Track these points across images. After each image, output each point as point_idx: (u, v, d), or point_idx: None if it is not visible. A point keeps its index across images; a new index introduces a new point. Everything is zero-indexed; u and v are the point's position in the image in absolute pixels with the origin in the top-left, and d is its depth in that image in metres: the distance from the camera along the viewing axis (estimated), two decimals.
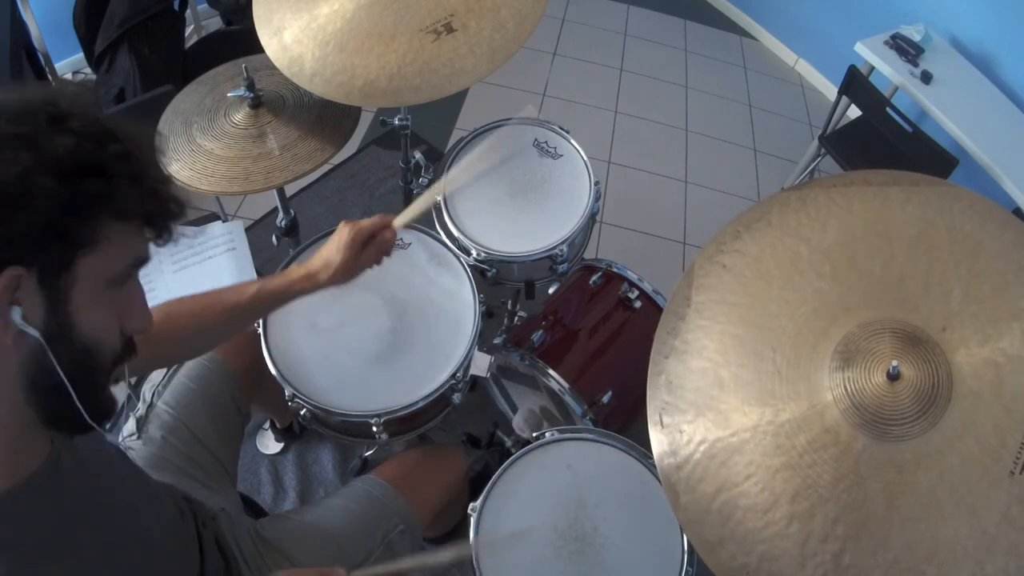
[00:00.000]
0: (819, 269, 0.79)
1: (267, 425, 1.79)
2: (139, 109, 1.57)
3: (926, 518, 0.67)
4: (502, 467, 1.10)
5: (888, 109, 2.07)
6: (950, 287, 0.75)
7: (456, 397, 1.21)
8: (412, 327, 1.20)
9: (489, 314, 1.96)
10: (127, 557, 0.70)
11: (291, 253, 1.27)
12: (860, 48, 2.44)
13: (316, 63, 1.13)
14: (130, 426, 1.09)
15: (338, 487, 1.71)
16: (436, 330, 1.20)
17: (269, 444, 1.79)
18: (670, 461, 0.77)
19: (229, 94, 1.26)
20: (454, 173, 1.36)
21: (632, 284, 1.47)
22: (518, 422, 1.47)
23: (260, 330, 1.17)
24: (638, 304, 1.45)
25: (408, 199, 1.85)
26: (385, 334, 1.19)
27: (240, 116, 1.26)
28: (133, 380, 1.26)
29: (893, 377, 0.70)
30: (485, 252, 1.32)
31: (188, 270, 1.51)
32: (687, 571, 1.01)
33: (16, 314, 0.51)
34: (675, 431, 0.78)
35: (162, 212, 0.60)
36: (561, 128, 1.49)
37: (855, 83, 2.22)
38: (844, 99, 2.32)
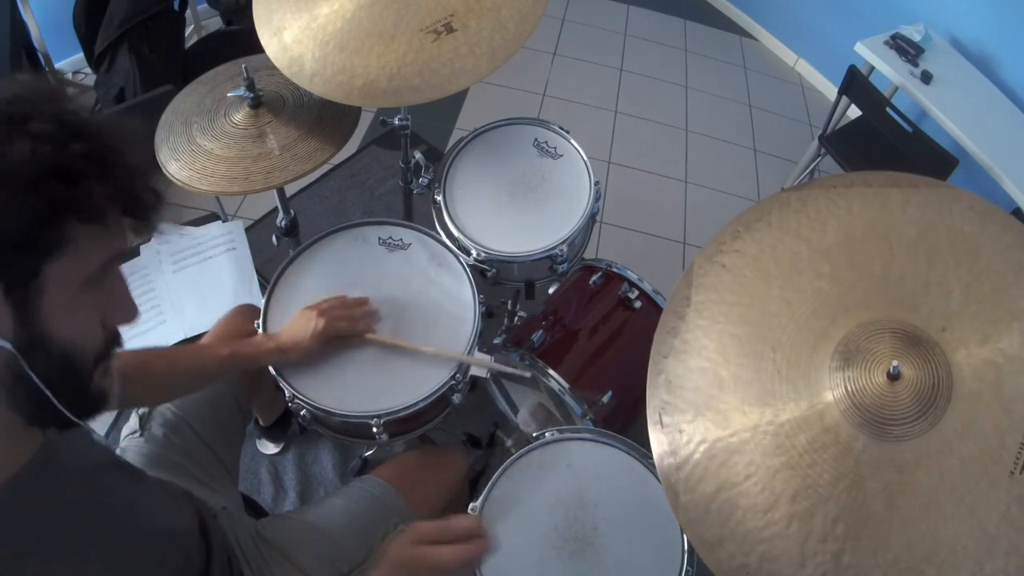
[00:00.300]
0: (819, 269, 0.79)
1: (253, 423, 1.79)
2: (139, 109, 1.57)
3: (926, 518, 0.67)
4: (502, 467, 1.10)
5: (888, 109, 2.07)
6: (950, 287, 0.75)
7: (456, 397, 1.21)
8: (412, 327, 1.20)
9: (489, 314, 1.96)
10: (128, 553, 0.70)
11: (291, 253, 1.27)
12: (860, 48, 2.44)
13: (316, 63, 1.13)
14: (132, 423, 1.09)
15: (338, 487, 1.71)
16: (436, 330, 1.20)
17: (269, 444, 1.79)
18: (670, 461, 0.77)
19: (229, 94, 1.26)
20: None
21: (632, 284, 1.47)
22: (524, 416, 1.46)
23: (260, 331, 1.17)
24: (638, 304, 1.45)
25: (408, 199, 1.85)
26: (385, 334, 1.19)
27: (240, 116, 1.26)
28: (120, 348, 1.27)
29: (893, 377, 0.70)
30: (485, 252, 1.32)
31: (188, 270, 1.51)
32: (687, 571, 1.01)
33: None
34: (675, 431, 0.78)
35: (137, 207, 0.58)
36: (561, 128, 1.49)
37: (855, 83, 2.22)
38: (844, 99, 2.32)
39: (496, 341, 1.44)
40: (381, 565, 0.76)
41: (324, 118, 1.28)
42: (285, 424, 1.74)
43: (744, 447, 0.74)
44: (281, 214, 1.53)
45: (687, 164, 2.83)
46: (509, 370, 1.22)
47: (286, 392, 1.12)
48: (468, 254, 1.33)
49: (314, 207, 2.36)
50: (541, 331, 1.40)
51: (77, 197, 0.52)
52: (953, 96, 2.31)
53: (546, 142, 1.48)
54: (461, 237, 1.34)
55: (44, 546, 0.59)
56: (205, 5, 2.77)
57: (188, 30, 2.64)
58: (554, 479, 1.11)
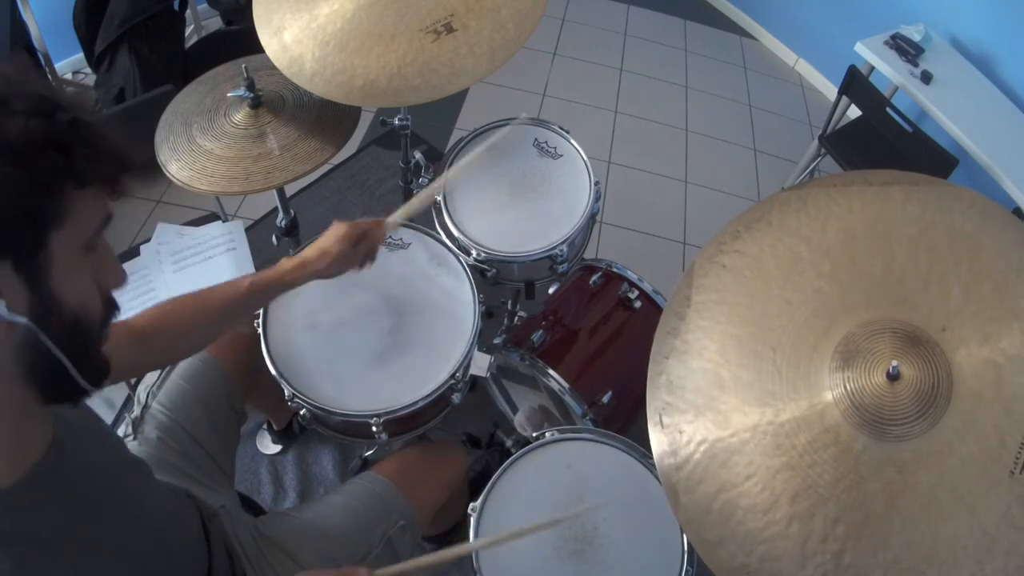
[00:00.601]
0: (819, 269, 0.79)
1: (266, 425, 1.79)
2: (139, 109, 1.57)
3: (926, 518, 0.67)
4: (502, 467, 1.10)
5: (888, 109, 2.07)
6: (950, 287, 0.75)
7: (456, 397, 1.21)
8: (412, 327, 1.20)
9: (489, 314, 1.96)
10: (136, 549, 0.70)
11: (291, 253, 1.27)
12: (860, 48, 2.44)
13: (316, 63, 1.13)
14: (125, 427, 1.09)
15: (338, 486, 1.71)
16: (436, 330, 1.20)
17: (269, 444, 1.79)
18: (670, 461, 0.77)
19: (229, 94, 1.26)
20: (450, 172, 1.36)
21: (632, 284, 1.47)
22: (520, 420, 1.46)
23: (260, 330, 1.17)
24: (638, 304, 1.45)
25: (408, 199, 1.85)
26: (385, 334, 1.19)
27: (240, 116, 1.26)
28: (132, 381, 1.26)
29: (893, 377, 0.70)
30: (485, 252, 1.32)
31: (188, 270, 1.51)
32: (687, 571, 1.02)
33: (0, 307, 0.51)
34: (675, 431, 0.78)
35: (120, 169, 0.59)
36: (561, 128, 1.49)
37: (855, 83, 2.22)
38: (844, 99, 2.32)
39: (496, 341, 1.44)
40: None
41: (324, 118, 1.28)
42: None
43: (744, 447, 0.74)
44: (281, 214, 1.53)
45: (687, 164, 2.83)
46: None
47: (286, 391, 1.12)
48: (468, 254, 1.33)
49: (314, 207, 2.36)
50: (541, 331, 1.40)
51: (72, 164, 0.53)
52: (953, 96, 2.31)
53: (546, 142, 1.48)
54: (461, 237, 1.34)
55: (59, 541, 0.60)
56: (205, 5, 2.77)
57: (188, 30, 2.64)
58: (554, 479, 1.11)
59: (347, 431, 1.24)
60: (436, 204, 1.39)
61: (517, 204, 1.40)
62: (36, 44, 2.30)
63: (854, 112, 2.44)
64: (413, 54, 1.11)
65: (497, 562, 1.02)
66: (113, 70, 2.22)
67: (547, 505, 1.08)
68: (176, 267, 1.52)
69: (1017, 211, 2.08)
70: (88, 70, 2.52)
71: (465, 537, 1.04)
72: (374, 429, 1.15)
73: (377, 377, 1.14)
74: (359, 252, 1.05)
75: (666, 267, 2.43)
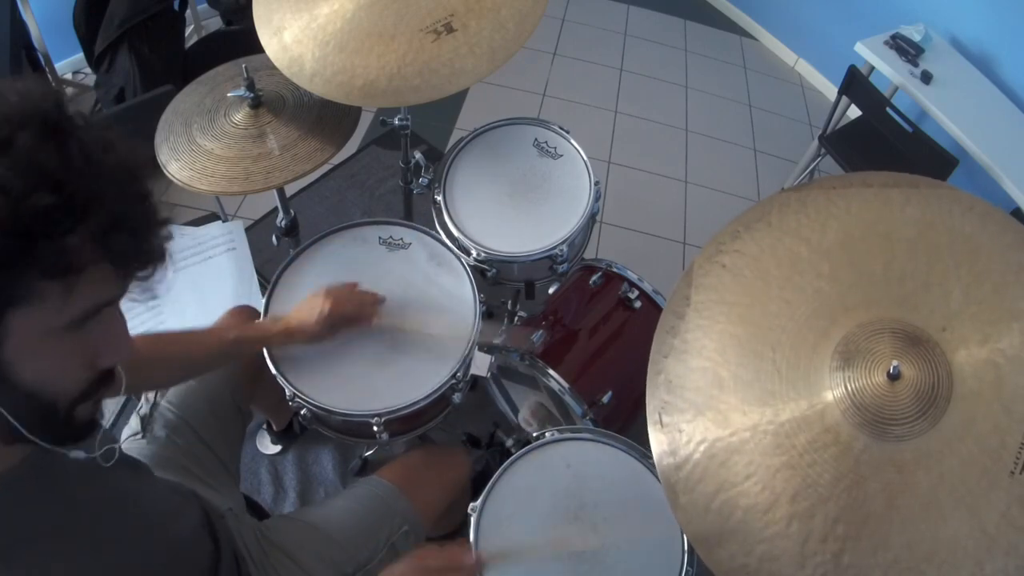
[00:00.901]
0: (819, 269, 0.79)
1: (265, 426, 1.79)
2: (139, 109, 1.57)
3: (926, 518, 0.67)
4: (502, 467, 1.10)
5: (888, 109, 2.07)
6: (950, 288, 0.75)
7: (456, 397, 1.21)
8: (412, 326, 1.20)
9: (489, 314, 1.96)
10: (134, 549, 0.70)
11: (291, 253, 1.27)
12: (860, 48, 2.44)
13: (316, 63, 1.13)
14: (134, 424, 1.09)
15: (338, 487, 1.71)
16: (436, 330, 1.20)
17: (268, 444, 1.79)
18: (669, 461, 0.77)
19: (229, 94, 1.26)
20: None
21: (632, 284, 1.47)
22: (524, 415, 1.46)
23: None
24: (638, 304, 1.45)
25: (408, 199, 1.85)
26: (386, 334, 1.19)
27: (240, 116, 1.26)
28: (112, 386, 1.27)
29: (893, 377, 0.70)
30: (485, 252, 1.32)
31: (188, 270, 1.51)
32: (687, 571, 1.01)
33: None
34: (674, 431, 0.78)
35: (126, 260, 0.54)
36: (561, 128, 1.49)
37: (855, 83, 2.22)
38: (844, 99, 2.32)
39: (496, 341, 1.44)
40: None
41: (324, 118, 1.28)
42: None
43: (744, 447, 0.74)
44: (281, 214, 1.53)
45: (687, 164, 2.83)
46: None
47: (286, 391, 1.12)
48: (468, 254, 1.33)
49: (314, 207, 2.36)
50: (541, 331, 1.40)
51: (37, 254, 0.47)
52: (953, 96, 2.31)
53: (546, 142, 1.48)
54: (461, 237, 1.34)
55: (44, 538, 0.59)
56: (205, 5, 2.77)
57: (188, 30, 2.64)
58: (554, 479, 1.11)
59: (348, 431, 1.24)
60: (436, 204, 1.39)
61: (517, 204, 1.40)
62: (36, 44, 2.30)
63: (854, 112, 2.44)
64: (413, 54, 1.11)
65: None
66: (113, 70, 2.22)
67: (547, 505, 1.08)
68: (176, 267, 1.52)
69: (1017, 211, 2.08)
70: (88, 70, 2.53)
71: (466, 538, 1.04)
72: (375, 429, 1.15)
73: (378, 377, 1.14)
74: (337, 332, 1.11)
75: (666, 267, 2.43)
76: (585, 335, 1.43)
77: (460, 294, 1.24)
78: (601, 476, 1.11)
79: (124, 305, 0.61)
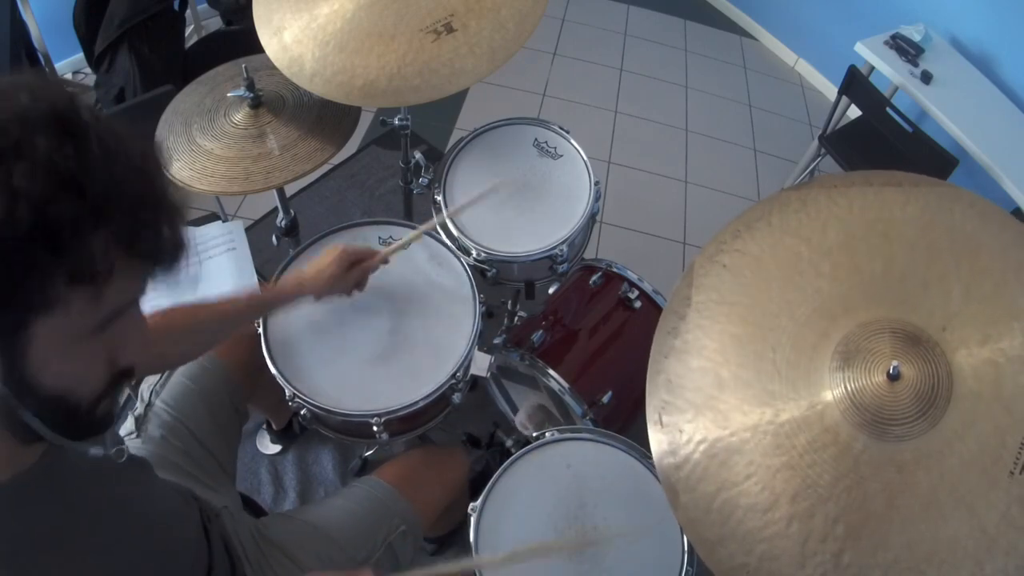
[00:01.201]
0: (819, 269, 0.79)
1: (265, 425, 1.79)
2: (139, 109, 1.57)
3: (926, 518, 0.67)
4: (502, 467, 1.10)
5: (888, 109, 2.07)
6: (950, 287, 0.75)
7: (456, 397, 1.21)
8: (412, 327, 1.20)
9: (489, 314, 1.96)
10: (133, 548, 0.70)
11: (291, 253, 1.27)
12: (860, 48, 2.44)
13: (316, 63, 1.13)
14: (128, 425, 1.09)
15: (338, 487, 1.71)
16: (436, 330, 1.20)
17: (268, 444, 1.79)
18: (670, 461, 0.77)
19: (229, 94, 1.26)
20: (448, 211, 1.35)
21: (632, 284, 1.47)
22: (521, 419, 1.46)
23: (260, 330, 1.17)
24: (638, 304, 1.45)
25: (408, 199, 1.85)
26: (385, 334, 1.19)
27: (240, 116, 1.26)
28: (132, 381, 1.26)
29: (893, 377, 0.70)
30: (485, 252, 1.32)
31: (188, 270, 1.51)
32: (687, 571, 1.01)
33: None
34: (675, 430, 0.78)
35: (151, 256, 0.53)
36: (561, 128, 1.49)
37: (855, 83, 2.22)
38: (844, 99, 2.32)
39: (496, 341, 1.45)
40: None
41: (324, 118, 1.28)
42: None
43: (744, 447, 0.74)
44: (281, 214, 1.53)
45: (687, 164, 2.83)
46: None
47: (286, 391, 1.12)
48: (468, 254, 1.33)
49: (314, 207, 2.36)
50: (541, 331, 1.40)
51: (62, 260, 0.47)
52: (953, 96, 2.31)
53: (546, 142, 1.48)
54: (461, 237, 1.34)
55: (53, 540, 0.59)
56: (205, 5, 2.77)
57: (188, 30, 2.64)
58: (554, 479, 1.11)
59: (348, 431, 1.24)
60: (436, 204, 1.39)
61: (517, 204, 1.40)
62: (36, 44, 2.30)
63: (854, 112, 2.44)
64: (413, 54, 1.11)
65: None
66: (113, 70, 2.22)
67: (547, 505, 1.08)
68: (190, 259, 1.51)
69: (1017, 211, 2.08)
70: (88, 70, 2.52)
71: (466, 538, 1.04)
72: (375, 429, 1.15)
73: (377, 377, 1.14)
74: (352, 277, 1.12)
75: (666, 267, 2.43)
76: (585, 335, 1.43)
77: (460, 294, 1.24)
78: (601, 476, 1.11)
79: None
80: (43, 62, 2.35)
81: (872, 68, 2.42)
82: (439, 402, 1.19)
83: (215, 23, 2.85)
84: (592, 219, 1.43)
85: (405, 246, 1.20)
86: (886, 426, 0.70)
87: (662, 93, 3.14)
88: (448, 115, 2.79)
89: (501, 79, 2.93)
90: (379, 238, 1.30)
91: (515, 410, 1.60)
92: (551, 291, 1.51)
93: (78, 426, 0.57)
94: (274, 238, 1.57)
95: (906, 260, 0.77)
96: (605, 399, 1.32)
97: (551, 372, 1.32)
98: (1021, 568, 0.65)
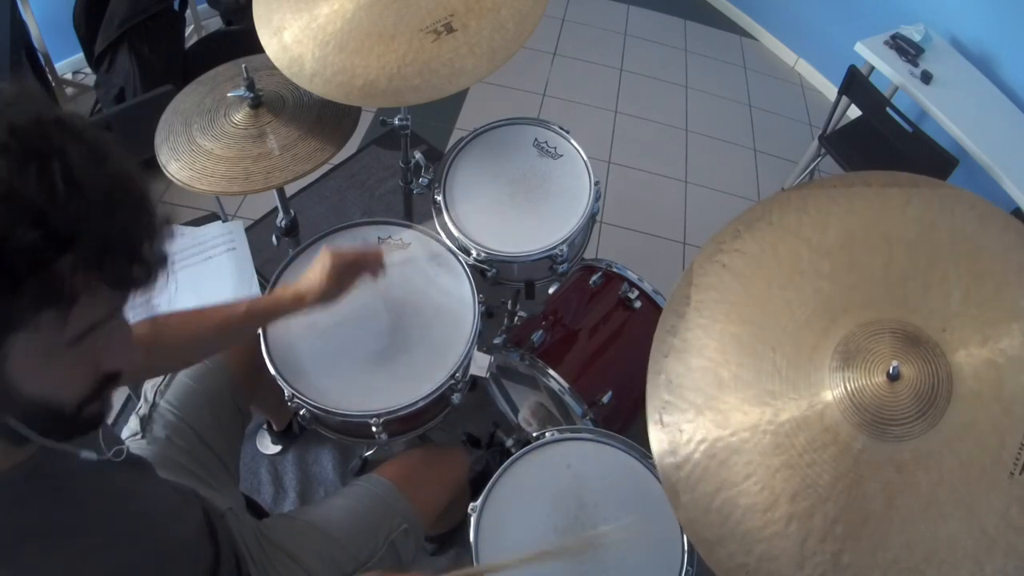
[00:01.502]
0: (819, 269, 0.79)
1: (265, 426, 1.79)
2: (139, 109, 1.57)
3: (925, 518, 0.67)
4: (502, 467, 1.10)
5: (888, 109, 2.07)
6: (950, 288, 0.75)
7: (456, 397, 1.21)
8: (412, 327, 1.20)
9: (489, 314, 1.96)
10: (136, 548, 0.70)
11: (291, 253, 1.27)
12: (860, 48, 2.44)
13: (316, 63, 1.13)
14: (133, 425, 1.09)
15: (338, 487, 1.71)
16: (436, 330, 1.20)
17: (269, 444, 1.79)
18: (670, 460, 0.77)
19: (229, 94, 1.26)
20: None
21: (632, 284, 1.47)
22: (524, 415, 1.46)
23: (260, 330, 1.17)
24: (638, 304, 1.45)
25: (408, 199, 1.85)
26: (385, 334, 1.19)
27: (240, 116, 1.26)
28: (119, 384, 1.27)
29: (893, 377, 0.70)
30: (485, 252, 1.32)
31: (188, 270, 1.51)
32: (687, 571, 1.02)
33: None
34: (675, 430, 0.78)
35: (121, 281, 0.52)
36: (561, 128, 1.49)
37: (855, 83, 2.22)
38: (844, 99, 2.32)
39: (496, 341, 1.45)
40: None
41: (324, 118, 1.28)
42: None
43: (744, 446, 0.74)
44: (281, 214, 1.53)
45: (687, 164, 2.83)
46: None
47: (285, 391, 1.12)
48: (468, 254, 1.33)
49: (314, 207, 2.36)
50: (541, 331, 1.40)
51: (24, 288, 0.45)
52: (953, 96, 2.31)
53: (546, 142, 1.48)
54: (461, 237, 1.34)
55: (44, 535, 0.59)
56: (205, 5, 2.77)
57: (188, 30, 2.64)
58: (554, 479, 1.11)
59: (347, 431, 1.24)
60: (436, 204, 1.39)
61: (517, 204, 1.40)
62: (36, 44, 2.30)
63: (854, 112, 2.44)
64: (413, 54, 1.11)
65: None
66: (113, 70, 2.22)
67: (547, 505, 1.08)
68: (176, 267, 1.51)
69: (1017, 211, 2.08)
70: (88, 70, 2.52)
71: (466, 538, 1.04)
72: (374, 429, 1.15)
73: (377, 377, 1.14)
74: (349, 280, 1.07)
75: (666, 267, 2.43)
76: (585, 335, 1.43)
77: (460, 294, 1.24)
78: (601, 476, 1.11)
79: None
80: (43, 62, 2.35)
81: (872, 68, 2.42)
82: (439, 402, 1.20)
83: (215, 23, 2.85)
84: (592, 219, 1.43)
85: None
86: (886, 426, 0.70)
87: (662, 93, 3.13)
88: (448, 115, 2.79)
89: (501, 79, 2.93)
90: (379, 238, 1.30)
91: (515, 410, 1.61)
92: (551, 291, 1.51)
93: (64, 428, 0.57)
94: (274, 238, 1.57)
95: (906, 261, 0.77)
96: (605, 399, 1.33)
97: (551, 372, 1.32)
98: (1020, 568, 0.65)
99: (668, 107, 3.06)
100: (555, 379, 1.32)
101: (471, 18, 1.13)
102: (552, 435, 1.15)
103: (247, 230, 1.56)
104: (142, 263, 0.53)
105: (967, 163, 2.09)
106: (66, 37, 2.26)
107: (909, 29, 2.46)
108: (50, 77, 2.45)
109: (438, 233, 1.34)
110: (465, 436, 1.73)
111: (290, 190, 1.48)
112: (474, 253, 1.33)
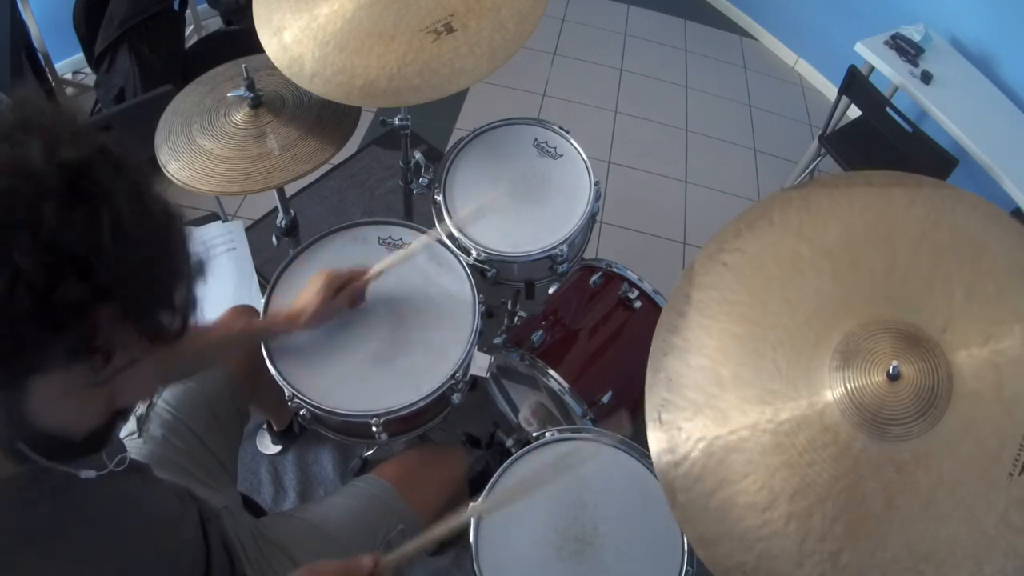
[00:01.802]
0: (820, 268, 0.79)
1: (266, 426, 1.79)
2: (139, 109, 1.57)
3: (925, 518, 0.67)
4: (502, 467, 1.10)
5: (888, 109, 2.07)
6: (951, 288, 0.75)
7: (456, 397, 1.21)
8: (412, 327, 1.20)
9: (489, 314, 1.96)
10: (135, 550, 0.70)
11: (291, 253, 1.27)
12: (860, 48, 2.44)
13: (316, 63, 1.13)
14: (130, 425, 1.09)
15: (338, 487, 1.71)
16: (436, 330, 1.20)
17: (269, 444, 1.79)
18: (668, 458, 0.77)
19: (229, 94, 1.26)
20: (425, 237, 1.28)
21: (632, 284, 1.47)
22: (525, 414, 1.46)
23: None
24: (638, 304, 1.45)
25: (408, 199, 1.85)
26: (384, 334, 1.19)
27: (240, 116, 1.26)
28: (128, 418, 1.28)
29: (893, 377, 0.70)
30: (485, 252, 1.32)
31: None
32: (687, 571, 1.02)
33: None
34: (674, 428, 0.78)
35: (152, 329, 0.50)
36: (561, 128, 1.49)
37: (855, 83, 2.22)
38: (844, 99, 2.32)
39: (496, 341, 1.45)
40: None
41: (324, 118, 1.28)
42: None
43: (743, 445, 0.74)
44: (281, 214, 1.53)
45: (687, 164, 2.83)
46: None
47: (285, 391, 1.12)
48: (468, 254, 1.33)
49: (314, 207, 2.36)
50: (541, 331, 1.40)
51: (62, 336, 0.45)
52: (953, 96, 2.31)
53: (546, 142, 1.48)
54: (461, 237, 1.34)
55: (43, 542, 0.59)
56: (205, 5, 2.77)
57: (188, 30, 2.64)
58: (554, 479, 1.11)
59: (347, 431, 1.24)
60: (436, 204, 1.39)
61: (517, 204, 1.40)
62: (36, 44, 2.31)
63: (854, 112, 2.44)
64: (413, 54, 1.11)
65: (497, 562, 1.02)
66: (113, 70, 2.22)
67: (547, 505, 1.08)
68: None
69: (1017, 211, 2.08)
70: (88, 70, 2.53)
71: (466, 538, 1.04)
72: (374, 429, 1.15)
73: (377, 377, 1.14)
74: (341, 301, 1.11)
75: (666, 267, 2.43)
76: (585, 335, 1.43)
77: (460, 294, 1.24)
78: (601, 476, 1.11)
79: None
80: (43, 62, 2.35)
81: (872, 68, 2.42)
82: (439, 402, 1.19)
83: (215, 23, 2.85)
84: (592, 219, 1.43)
85: (391, 266, 1.18)
86: (885, 426, 0.70)
87: (662, 93, 3.14)
88: (448, 115, 2.79)
89: (501, 79, 2.93)
90: (379, 238, 1.30)
91: (515, 410, 1.61)
92: (551, 291, 1.51)
93: (69, 453, 0.59)
94: (274, 238, 1.57)
95: (908, 261, 0.77)
96: (605, 399, 1.33)
97: (551, 372, 1.32)
98: (1020, 569, 0.65)
99: (668, 107, 3.06)
100: (555, 379, 1.32)
101: (471, 18, 1.13)
102: (552, 435, 1.15)
103: (247, 230, 1.56)
104: (175, 311, 0.52)
105: (967, 163, 2.09)
106: (66, 37, 2.27)
107: (909, 29, 2.46)
108: (50, 77, 2.45)
109: (438, 233, 1.34)
110: (465, 436, 1.73)
111: (290, 190, 1.48)
112: (474, 253, 1.33)
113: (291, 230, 1.56)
